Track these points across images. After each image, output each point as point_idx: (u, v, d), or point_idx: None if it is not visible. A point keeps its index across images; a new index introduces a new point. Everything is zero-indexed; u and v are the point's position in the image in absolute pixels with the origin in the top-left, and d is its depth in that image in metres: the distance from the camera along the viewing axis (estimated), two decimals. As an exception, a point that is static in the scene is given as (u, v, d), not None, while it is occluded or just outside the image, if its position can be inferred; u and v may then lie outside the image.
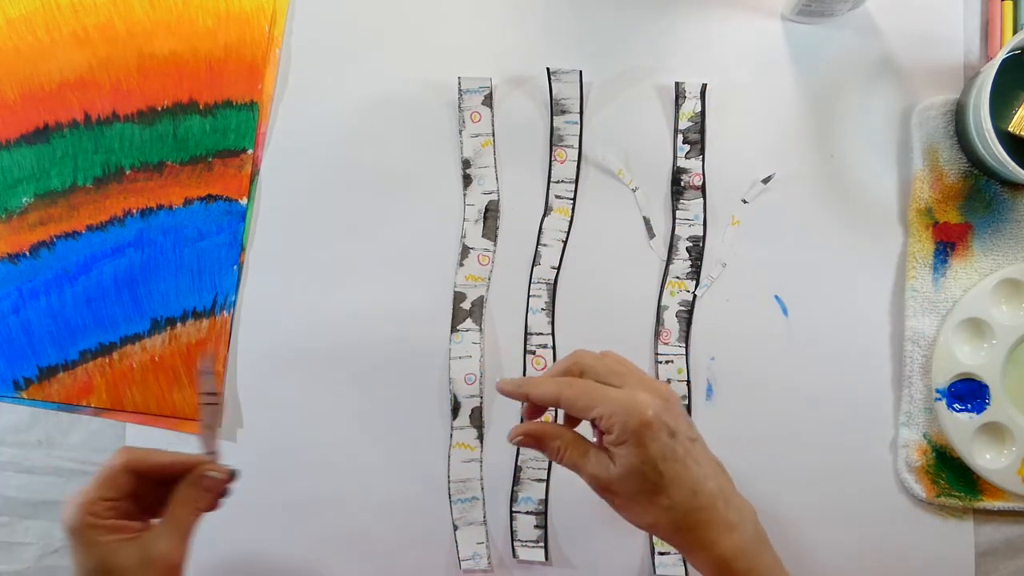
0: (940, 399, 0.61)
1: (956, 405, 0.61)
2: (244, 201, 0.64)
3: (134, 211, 0.64)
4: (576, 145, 0.64)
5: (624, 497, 0.47)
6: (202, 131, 0.64)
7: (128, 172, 0.64)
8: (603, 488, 0.47)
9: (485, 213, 0.64)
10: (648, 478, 0.45)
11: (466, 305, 0.63)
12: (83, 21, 0.64)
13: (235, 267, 0.63)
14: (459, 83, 0.63)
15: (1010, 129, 0.58)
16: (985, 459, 0.61)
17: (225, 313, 0.63)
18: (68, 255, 0.64)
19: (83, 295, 0.63)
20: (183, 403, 0.63)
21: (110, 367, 0.63)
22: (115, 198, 0.64)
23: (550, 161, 0.64)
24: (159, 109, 0.64)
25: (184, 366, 0.63)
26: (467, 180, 0.64)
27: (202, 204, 0.64)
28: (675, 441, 0.46)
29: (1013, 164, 0.56)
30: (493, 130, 0.64)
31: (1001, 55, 0.57)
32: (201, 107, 0.64)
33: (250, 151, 0.64)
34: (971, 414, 0.61)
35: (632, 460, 0.45)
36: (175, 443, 0.63)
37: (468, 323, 0.63)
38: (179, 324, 0.64)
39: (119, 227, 0.64)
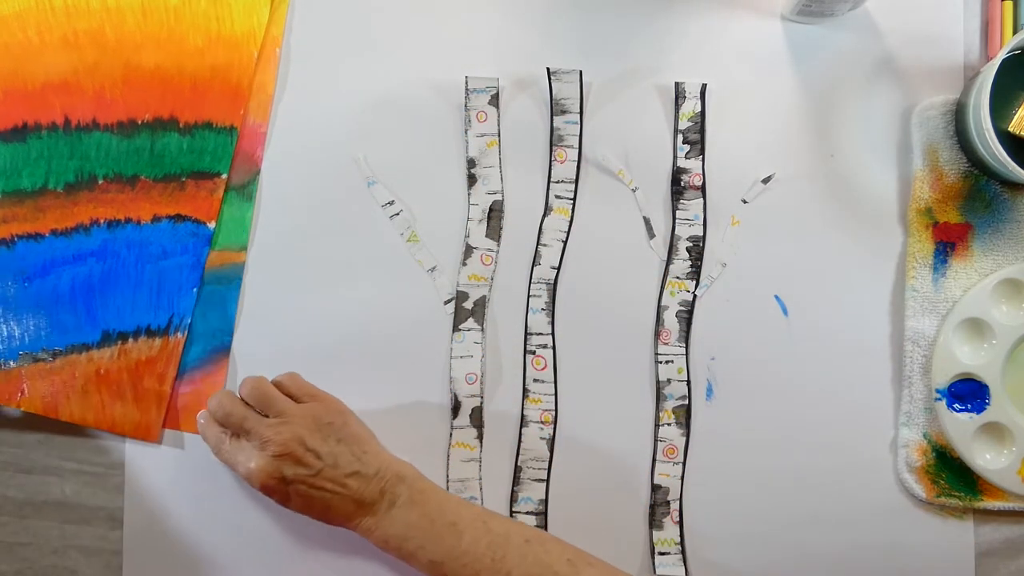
0: (940, 399, 0.61)
1: (956, 405, 0.61)
2: (212, 225, 0.63)
3: (101, 221, 0.63)
4: (576, 145, 0.64)
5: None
6: (179, 149, 0.63)
7: (101, 181, 0.63)
8: None
9: (489, 213, 0.64)
10: (286, 505, 0.56)
11: (468, 305, 0.63)
12: (74, 25, 0.63)
13: (194, 290, 0.63)
14: (466, 83, 0.63)
15: (1010, 129, 0.58)
16: (985, 459, 0.61)
17: (179, 335, 0.63)
18: (28, 256, 0.62)
19: (35, 297, 0.62)
20: (123, 419, 0.62)
21: (50, 373, 0.62)
22: (84, 206, 0.63)
23: (550, 161, 0.64)
24: (139, 122, 0.63)
25: (130, 382, 0.62)
26: (471, 180, 0.64)
27: (170, 223, 0.63)
28: (290, 487, 0.55)
29: (1013, 164, 0.56)
30: (499, 130, 0.64)
31: (1001, 55, 0.57)
32: (181, 125, 0.63)
33: (224, 175, 0.63)
34: (971, 414, 0.61)
35: (269, 495, 0.56)
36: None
37: (470, 323, 0.63)
38: (131, 339, 0.62)
39: (84, 235, 0.63)
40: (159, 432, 0.63)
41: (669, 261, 0.63)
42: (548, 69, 0.63)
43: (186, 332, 0.63)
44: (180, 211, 0.63)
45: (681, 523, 0.62)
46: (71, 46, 0.63)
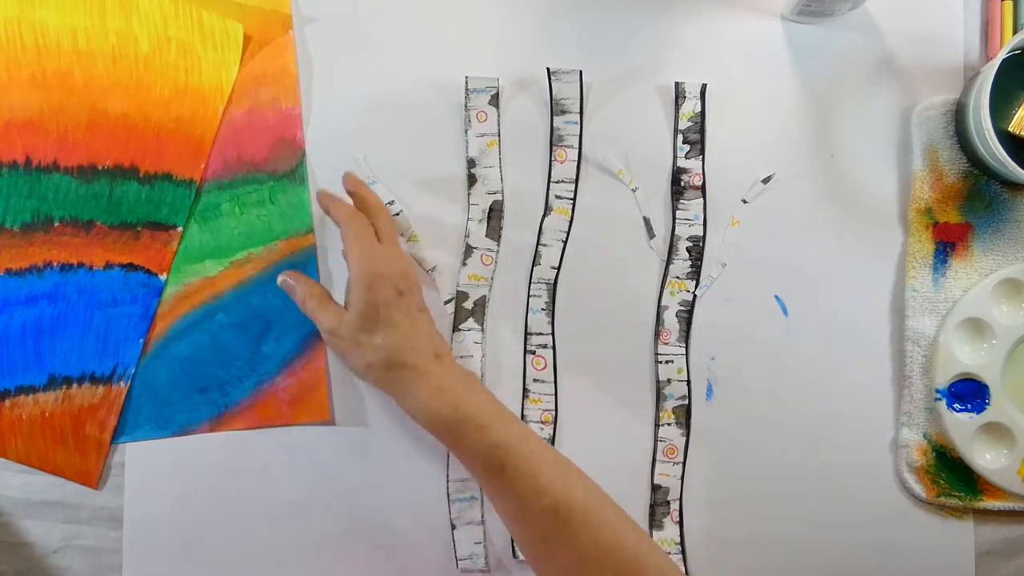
0: (940, 399, 0.61)
1: (956, 405, 0.61)
2: (163, 276, 0.62)
3: (55, 264, 0.62)
4: (576, 145, 0.64)
5: (348, 340, 0.56)
6: (137, 199, 0.63)
7: (56, 224, 0.62)
8: (332, 333, 0.57)
9: (489, 213, 0.64)
10: (369, 317, 0.55)
11: (468, 305, 0.63)
12: (44, 65, 0.62)
13: (140, 340, 0.62)
14: (466, 83, 0.63)
15: (1010, 129, 0.58)
16: (985, 459, 0.61)
17: (122, 384, 0.62)
18: None
19: None
20: (65, 463, 0.62)
21: (0, 414, 0.62)
22: (39, 247, 0.62)
23: (550, 161, 0.64)
24: (99, 168, 0.62)
25: (72, 427, 0.62)
26: (471, 180, 0.64)
27: (122, 271, 0.63)
28: (400, 299, 0.56)
29: (1013, 164, 0.56)
30: (499, 130, 0.64)
31: (1001, 55, 0.57)
32: (141, 174, 0.63)
33: (179, 228, 0.63)
34: (971, 414, 0.61)
35: (360, 301, 0.55)
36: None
37: (470, 323, 0.63)
38: (75, 385, 0.62)
39: (37, 277, 0.62)
40: (98, 478, 0.62)
41: (669, 261, 0.63)
42: (548, 69, 0.63)
43: (129, 382, 0.62)
44: (133, 260, 0.63)
45: (681, 523, 0.62)
46: (39, 85, 0.62)
